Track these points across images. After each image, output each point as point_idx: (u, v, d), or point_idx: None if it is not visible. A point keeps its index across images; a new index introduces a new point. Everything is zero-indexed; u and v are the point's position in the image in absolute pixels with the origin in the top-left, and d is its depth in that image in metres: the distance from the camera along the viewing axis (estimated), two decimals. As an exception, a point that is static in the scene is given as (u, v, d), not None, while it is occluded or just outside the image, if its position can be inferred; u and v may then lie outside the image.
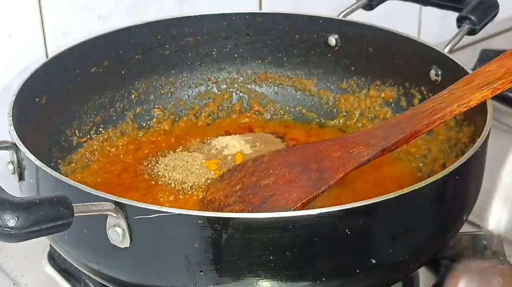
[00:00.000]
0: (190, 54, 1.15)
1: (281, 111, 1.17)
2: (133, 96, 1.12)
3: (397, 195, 0.76)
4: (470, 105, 0.85)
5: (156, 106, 1.14)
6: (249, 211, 0.89)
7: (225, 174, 1.00)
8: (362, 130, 0.95)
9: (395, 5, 1.15)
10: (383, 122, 0.94)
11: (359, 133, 0.93)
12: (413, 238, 0.81)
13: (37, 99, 0.97)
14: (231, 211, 0.90)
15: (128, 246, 0.75)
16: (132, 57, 1.11)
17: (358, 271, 0.78)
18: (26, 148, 0.83)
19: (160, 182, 1.01)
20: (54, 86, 1.01)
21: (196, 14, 1.13)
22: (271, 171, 0.94)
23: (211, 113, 1.16)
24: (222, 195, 0.95)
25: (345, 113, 1.14)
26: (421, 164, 1.04)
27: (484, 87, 0.86)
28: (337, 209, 0.74)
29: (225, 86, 1.18)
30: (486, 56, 1.36)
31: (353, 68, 1.14)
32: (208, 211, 0.92)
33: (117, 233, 0.74)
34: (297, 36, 1.15)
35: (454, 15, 1.07)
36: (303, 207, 0.85)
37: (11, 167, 0.85)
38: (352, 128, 1.13)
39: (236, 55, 1.17)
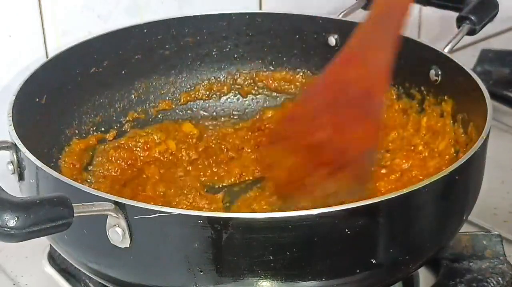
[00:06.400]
0: (190, 54, 1.15)
1: (281, 111, 1.17)
2: (133, 96, 1.12)
3: (397, 195, 0.76)
4: None
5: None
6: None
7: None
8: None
9: (395, 5, 1.15)
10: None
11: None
12: (413, 238, 0.81)
13: (37, 99, 0.97)
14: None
15: (128, 246, 0.75)
16: (132, 57, 1.11)
17: (358, 271, 0.78)
18: (26, 148, 0.83)
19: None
20: (54, 86, 1.01)
21: (196, 14, 1.13)
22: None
23: (212, 113, 1.17)
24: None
25: (345, 113, 1.14)
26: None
27: None
28: (337, 209, 0.74)
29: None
30: (486, 56, 1.35)
31: (353, 68, 1.13)
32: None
33: (117, 233, 0.74)
34: (297, 36, 1.14)
35: (454, 15, 1.07)
36: None
37: (11, 167, 0.85)
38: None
39: (236, 55, 1.17)
